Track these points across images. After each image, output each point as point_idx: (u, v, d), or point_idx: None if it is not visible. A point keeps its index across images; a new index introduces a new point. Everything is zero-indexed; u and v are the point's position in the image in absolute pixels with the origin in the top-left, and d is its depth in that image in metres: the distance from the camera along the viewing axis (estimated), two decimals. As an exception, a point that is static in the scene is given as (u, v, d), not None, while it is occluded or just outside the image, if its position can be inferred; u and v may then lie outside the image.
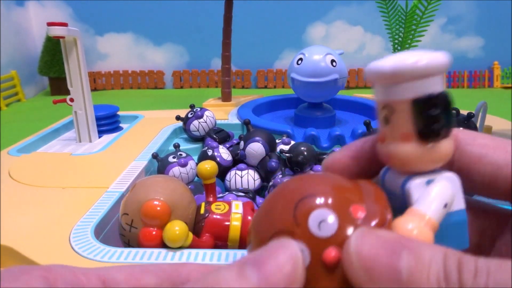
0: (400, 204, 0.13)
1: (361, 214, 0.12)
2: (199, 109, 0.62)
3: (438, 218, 0.12)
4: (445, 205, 0.13)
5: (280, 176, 0.45)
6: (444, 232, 0.13)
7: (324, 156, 0.47)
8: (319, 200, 0.13)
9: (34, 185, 0.44)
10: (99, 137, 0.65)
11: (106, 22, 2.22)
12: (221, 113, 0.76)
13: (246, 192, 0.43)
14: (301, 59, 0.67)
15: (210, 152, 0.51)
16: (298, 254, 0.11)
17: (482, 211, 0.15)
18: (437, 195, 0.13)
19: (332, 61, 0.66)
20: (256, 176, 0.48)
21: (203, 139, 0.61)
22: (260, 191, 0.49)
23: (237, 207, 0.35)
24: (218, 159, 0.50)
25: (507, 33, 2.17)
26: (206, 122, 0.61)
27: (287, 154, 0.47)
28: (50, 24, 0.54)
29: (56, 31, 0.54)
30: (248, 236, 0.15)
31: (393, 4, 0.85)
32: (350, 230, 0.12)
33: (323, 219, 0.12)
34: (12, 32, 1.97)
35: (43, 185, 0.44)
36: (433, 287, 0.10)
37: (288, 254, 0.10)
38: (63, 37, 0.56)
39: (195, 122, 0.61)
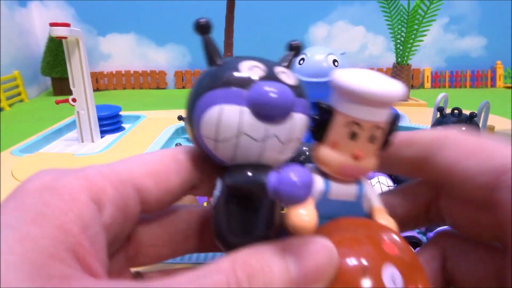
0: (355, 208, 0.15)
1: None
2: (201, 109, 0.62)
3: None
4: None
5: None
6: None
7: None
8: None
9: (37, 185, 0.44)
10: (102, 137, 0.65)
11: (108, 22, 2.23)
12: (223, 113, 0.76)
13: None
14: (303, 59, 0.67)
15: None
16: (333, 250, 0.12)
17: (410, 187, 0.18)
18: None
19: (334, 61, 0.66)
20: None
21: (205, 139, 0.61)
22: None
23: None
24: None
25: (510, 32, 2.16)
26: (208, 122, 0.61)
27: (289, 154, 0.47)
28: (52, 24, 0.54)
29: (59, 31, 0.54)
30: None
31: (395, 4, 0.85)
32: None
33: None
34: (15, 33, 1.97)
35: (45, 185, 0.44)
36: None
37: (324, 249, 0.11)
38: (65, 38, 0.56)
39: (197, 122, 0.61)
